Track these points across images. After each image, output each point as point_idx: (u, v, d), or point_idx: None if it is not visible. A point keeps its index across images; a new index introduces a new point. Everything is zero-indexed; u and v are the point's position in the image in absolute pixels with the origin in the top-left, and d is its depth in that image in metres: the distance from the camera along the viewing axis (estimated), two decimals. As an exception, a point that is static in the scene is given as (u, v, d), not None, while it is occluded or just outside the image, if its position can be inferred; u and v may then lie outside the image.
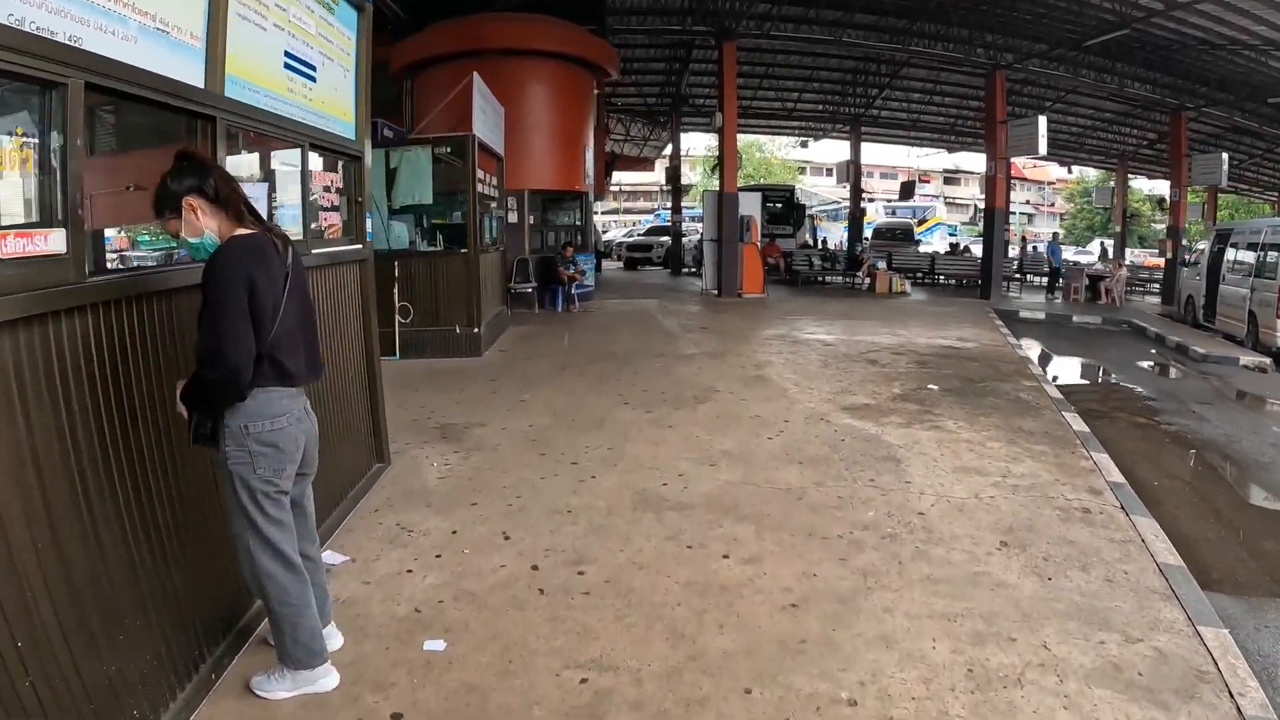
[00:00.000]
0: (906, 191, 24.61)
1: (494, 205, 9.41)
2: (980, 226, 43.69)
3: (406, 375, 6.94)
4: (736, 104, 14.26)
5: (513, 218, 11.76)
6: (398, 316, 7.76)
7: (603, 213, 44.79)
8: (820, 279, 18.03)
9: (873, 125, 23.02)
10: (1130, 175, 26.09)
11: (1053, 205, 50.80)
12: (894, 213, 36.33)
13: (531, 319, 10.92)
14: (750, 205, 14.47)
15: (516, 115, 11.43)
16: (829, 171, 44.97)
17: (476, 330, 7.70)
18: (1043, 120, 14.52)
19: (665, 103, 21.81)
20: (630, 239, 26.91)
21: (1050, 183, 48.90)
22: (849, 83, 20.34)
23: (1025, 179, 45.39)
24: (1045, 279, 18.19)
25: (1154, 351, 10.53)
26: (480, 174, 8.04)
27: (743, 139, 20.05)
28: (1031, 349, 9.92)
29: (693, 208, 27.78)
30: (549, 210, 13.42)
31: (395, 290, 7.70)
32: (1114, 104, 20.11)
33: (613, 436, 4.94)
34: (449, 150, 7.70)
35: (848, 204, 30.12)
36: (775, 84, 20.54)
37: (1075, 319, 13.89)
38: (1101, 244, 28.37)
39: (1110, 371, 9.14)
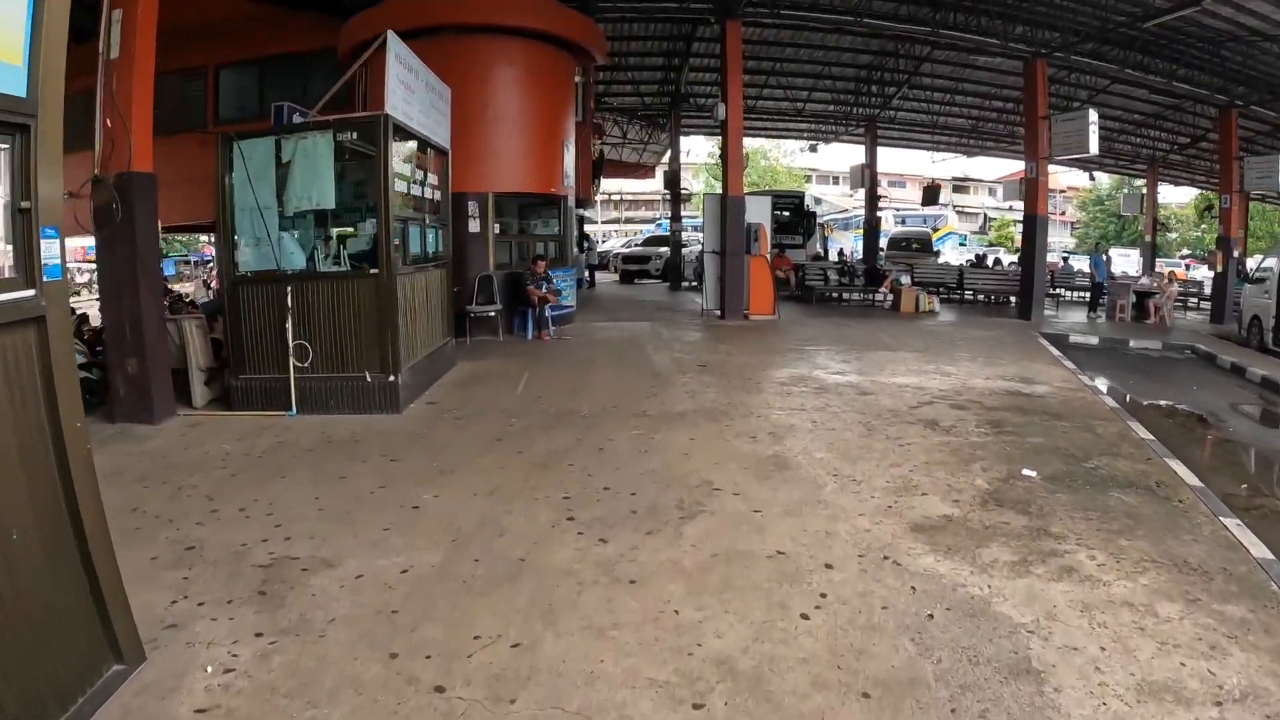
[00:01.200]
0: (930, 196, 22.58)
1: (426, 211, 7.37)
2: (989, 235, 42.08)
3: (287, 446, 5.01)
4: (741, 93, 12.30)
5: (474, 226, 9.88)
6: (293, 359, 5.83)
7: (602, 222, 43.06)
8: (836, 295, 16.05)
9: (889, 126, 21.18)
10: (1157, 181, 24.33)
11: (1063, 214, 49.01)
12: (903, 221, 34.47)
13: (492, 351, 8.94)
14: (758, 211, 12.50)
15: (479, 103, 9.59)
16: (835, 179, 43.20)
17: (393, 379, 5.74)
18: (1093, 113, 12.59)
19: (664, 101, 19.95)
20: (627, 249, 25.07)
21: (1061, 190, 47.05)
22: (864, 79, 18.55)
23: (1036, 185, 43.50)
24: (1081, 294, 16.39)
25: (1244, 391, 8.77)
26: (405, 169, 6.10)
27: (748, 144, 18.08)
28: (1110, 391, 7.99)
29: (694, 217, 25.90)
30: (526, 217, 11.49)
31: (290, 325, 5.79)
32: (1146, 105, 18.43)
33: (529, 610, 2.87)
34: (354, 135, 5.72)
35: (858, 212, 28.25)
36: (783, 81, 18.66)
37: (1132, 344, 11.99)
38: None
39: (1213, 424, 7.18)
